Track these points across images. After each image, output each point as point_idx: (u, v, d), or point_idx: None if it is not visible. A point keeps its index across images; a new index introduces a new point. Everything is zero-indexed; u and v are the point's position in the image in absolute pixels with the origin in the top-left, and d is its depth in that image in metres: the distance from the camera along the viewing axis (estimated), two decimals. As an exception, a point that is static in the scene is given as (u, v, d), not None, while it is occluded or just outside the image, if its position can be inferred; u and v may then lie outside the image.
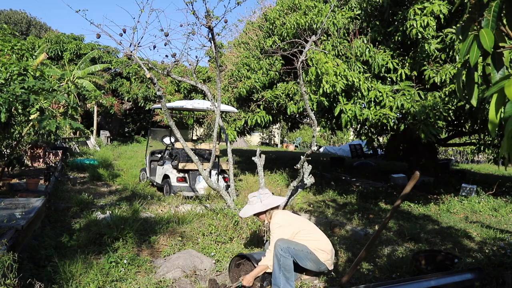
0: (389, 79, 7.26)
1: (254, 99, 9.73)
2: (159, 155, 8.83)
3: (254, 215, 3.86)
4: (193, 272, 3.92)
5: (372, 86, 6.91)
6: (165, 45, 6.39)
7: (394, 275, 3.89)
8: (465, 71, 1.89)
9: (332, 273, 3.94)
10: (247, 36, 10.74)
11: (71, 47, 20.89)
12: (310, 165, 5.36)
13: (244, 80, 9.55)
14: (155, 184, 8.58)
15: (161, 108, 7.22)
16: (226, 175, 7.78)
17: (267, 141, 30.00)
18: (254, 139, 28.56)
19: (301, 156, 5.09)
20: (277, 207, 3.87)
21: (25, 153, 10.30)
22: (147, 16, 8.40)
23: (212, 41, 5.26)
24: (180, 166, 7.60)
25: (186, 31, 9.74)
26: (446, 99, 6.47)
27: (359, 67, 7.05)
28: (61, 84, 8.30)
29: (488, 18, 1.68)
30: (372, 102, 6.87)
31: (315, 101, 7.20)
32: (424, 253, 4.08)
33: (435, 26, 6.32)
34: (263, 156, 5.77)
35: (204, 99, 13.04)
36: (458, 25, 1.92)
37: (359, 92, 6.90)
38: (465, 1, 1.90)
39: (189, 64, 7.32)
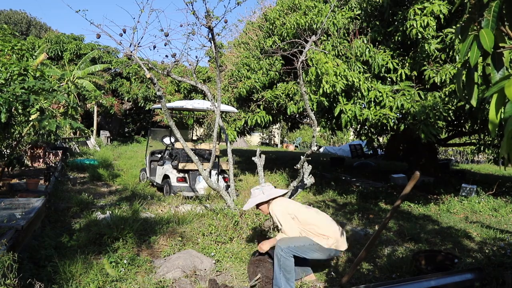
0: (389, 79, 7.26)
1: (254, 99, 9.73)
2: (159, 155, 8.83)
3: (257, 206, 3.88)
4: (193, 272, 3.92)
5: (372, 86, 6.91)
6: (165, 45, 6.39)
7: (394, 275, 3.89)
8: (465, 71, 1.89)
9: (332, 273, 3.95)
10: (247, 36, 10.74)
11: (71, 47, 20.89)
12: (310, 165, 5.36)
13: (244, 80, 9.55)
14: (155, 184, 8.59)
15: (161, 108, 7.22)
16: (226, 175, 7.78)
17: (267, 141, 29.99)
18: (254, 139, 28.56)
19: (301, 156, 5.09)
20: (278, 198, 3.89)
21: (25, 153, 10.30)
22: (147, 16, 8.41)
23: (212, 41, 5.26)
24: (180, 166, 7.60)
25: (186, 31, 9.75)
26: (446, 99, 6.47)
27: (359, 67, 7.05)
28: (61, 84, 8.31)
29: (488, 18, 1.68)
30: (372, 102, 6.87)
31: (315, 101, 7.20)
32: (424, 253, 4.08)
33: (435, 26, 6.32)
34: (263, 156, 5.77)
35: (204, 99, 13.05)
36: (458, 25, 1.92)
37: (359, 92, 6.90)
38: (465, 1, 1.90)
39: (189, 64, 7.32)
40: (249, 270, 3.87)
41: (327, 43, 7.66)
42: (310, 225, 3.60)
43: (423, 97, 6.65)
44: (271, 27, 9.32)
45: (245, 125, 10.17)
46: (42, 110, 5.29)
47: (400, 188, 8.94)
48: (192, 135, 14.90)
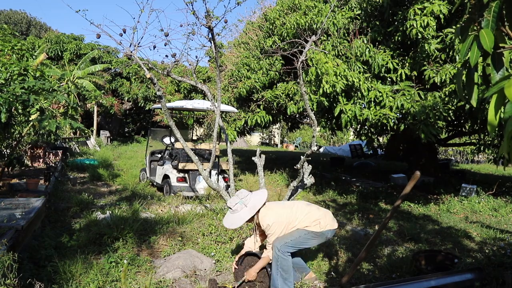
0: (389, 79, 7.26)
1: (254, 99, 9.74)
2: (159, 155, 8.83)
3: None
4: (193, 272, 3.92)
5: (372, 86, 6.91)
6: (165, 45, 6.37)
7: (394, 275, 3.89)
8: (465, 72, 1.89)
9: (332, 273, 3.95)
10: (247, 36, 10.74)
11: (71, 47, 20.88)
12: (310, 165, 5.36)
13: (244, 80, 9.56)
14: (155, 184, 8.59)
15: (161, 108, 7.22)
16: (226, 175, 7.78)
17: (267, 141, 29.99)
18: (254, 139, 28.55)
19: (301, 156, 5.09)
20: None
21: (25, 153, 10.30)
22: (147, 16, 8.39)
23: (212, 41, 5.25)
24: (180, 166, 7.60)
25: (186, 31, 9.73)
26: (446, 99, 6.47)
27: (359, 67, 7.05)
28: (61, 84, 8.31)
29: (488, 18, 1.68)
30: (372, 102, 6.88)
31: (315, 101, 7.20)
32: (424, 253, 4.09)
33: (435, 26, 6.32)
34: (263, 156, 5.77)
35: (204, 99, 13.04)
36: (458, 25, 1.92)
37: (359, 92, 6.90)
38: (465, 1, 1.90)
39: (189, 64, 7.31)
40: (236, 274, 3.78)
41: (327, 43, 7.66)
42: (302, 220, 3.54)
43: (423, 97, 6.65)
44: (271, 27, 9.33)
45: (245, 125, 10.17)
46: (42, 110, 5.29)
47: (400, 188, 8.94)
48: (192, 135, 14.91)
